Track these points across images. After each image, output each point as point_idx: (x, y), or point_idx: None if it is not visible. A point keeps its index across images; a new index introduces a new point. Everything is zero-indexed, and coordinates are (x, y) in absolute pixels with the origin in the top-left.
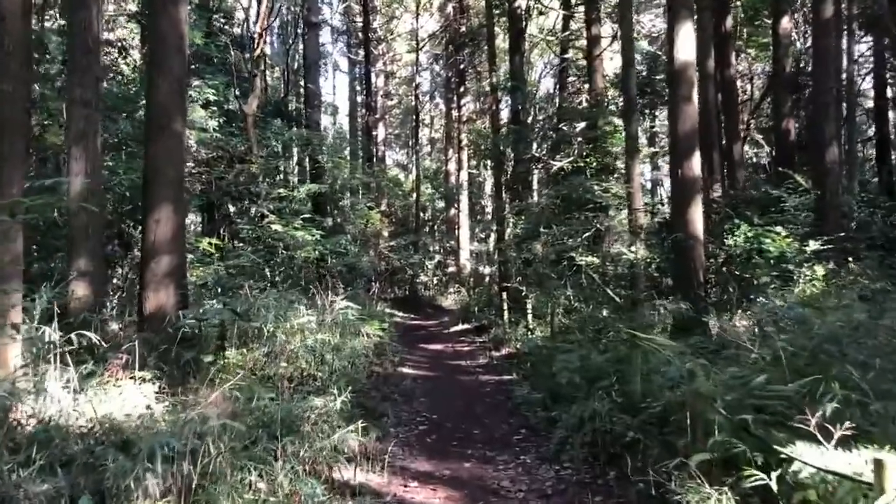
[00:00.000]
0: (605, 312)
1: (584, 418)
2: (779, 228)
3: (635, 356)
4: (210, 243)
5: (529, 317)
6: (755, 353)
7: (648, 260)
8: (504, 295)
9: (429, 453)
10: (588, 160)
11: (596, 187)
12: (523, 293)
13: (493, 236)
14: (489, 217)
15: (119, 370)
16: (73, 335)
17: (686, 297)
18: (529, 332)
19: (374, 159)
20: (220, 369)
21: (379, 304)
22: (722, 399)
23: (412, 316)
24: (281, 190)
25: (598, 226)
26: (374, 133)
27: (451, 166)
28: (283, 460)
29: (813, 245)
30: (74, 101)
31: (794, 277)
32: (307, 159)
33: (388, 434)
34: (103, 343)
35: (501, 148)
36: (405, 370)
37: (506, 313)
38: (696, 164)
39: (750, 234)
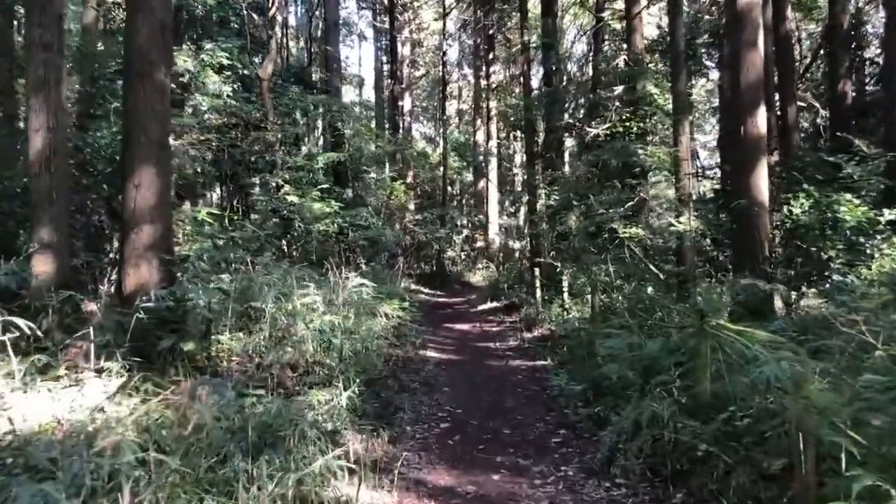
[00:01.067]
0: (649, 290)
1: (640, 422)
2: (848, 196)
3: (703, 346)
4: (209, 213)
5: (565, 295)
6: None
7: (700, 232)
8: (536, 271)
9: (450, 461)
10: (628, 125)
11: (640, 151)
12: (558, 269)
13: (523, 209)
14: (519, 190)
15: (80, 361)
16: (21, 321)
17: (751, 273)
18: (565, 312)
19: (401, 130)
20: (209, 356)
21: (403, 281)
22: (853, 418)
23: (438, 293)
24: (297, 159)
25: (641, 194)
26: (399, 103)
27: (480, 137)
28: (257, 485)
29: (888, 214)
30: (33, 43)
31: (867, 251)
32: (328, 129)
33: (404, 434)
34: (55, 330)
35: (534, 112)
36: (428, 353)
37: (538, 291)
38: (761, 119)
39: (817, 203)
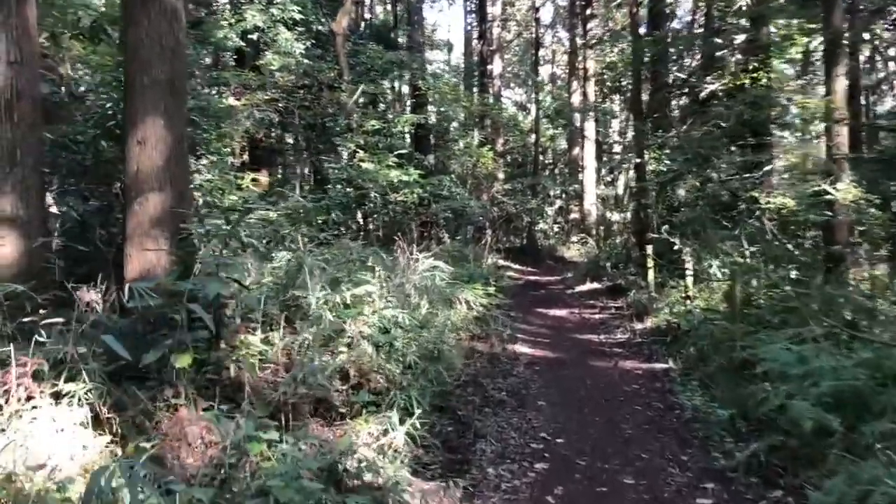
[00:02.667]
0: (793, 274)
1: None
2: None
3: None
4: (254, 180)
5: (689, 280)
6: None
7: (861, 201)
8: (648, 249)
9: None
10: (757, 75)
11: (784, 100)
12: (675, 247)
13: (622, 178)
14: (617, 156)
15: (28, 382)
16: None
17: None
18: (687, 301)
19: (490, 96)
20: (218, 368)
21: (490, 256)
22: None
23: (529, 269)
24: (373, 122)
25: (780, 156)
26: (489, 67)
27: (575, 100)
28: None
29: None
30: None
31: None
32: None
33: (484, 481)
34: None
35: (644, 60)
36: (518, 348)
37: (650, 272)
38: None
39: None
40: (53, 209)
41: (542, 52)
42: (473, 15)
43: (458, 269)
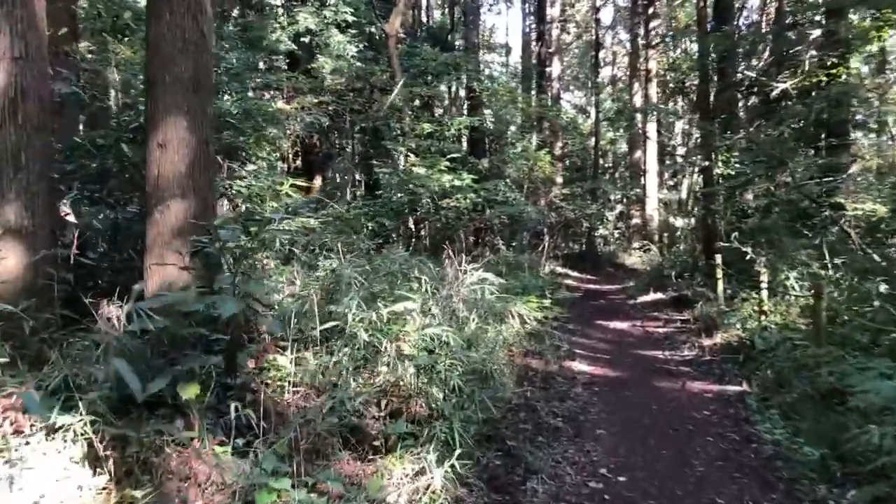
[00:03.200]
0: (882, 288)
1: None
2: None
3: None
4: (293, 185)
5: (764, 293)
6: None
7: None
8: (718, 258)
9: None
10: (836, 71)
11: (873, 98)
12: (746, 256)
13: (685, 182)
14: (680, 160)
15: (17, 416)
16: None
17: None
18: (762, 316)
19: (548, 98)
20: (253, 388)
21: (547, 264)
22: None
23: (588, 277)
24: (426, 125)
25: (861, 158)
26: (547, 69)
27: (637, 102)
28: None
29: None
30: None
31: None
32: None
33: None
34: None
35: (711, 56)
36: (575, 365)
37: (719, 284)
38: None
39: None
40: (71, 218)
41: (602, 54)
42: (532, 17)
43: (511, 279)
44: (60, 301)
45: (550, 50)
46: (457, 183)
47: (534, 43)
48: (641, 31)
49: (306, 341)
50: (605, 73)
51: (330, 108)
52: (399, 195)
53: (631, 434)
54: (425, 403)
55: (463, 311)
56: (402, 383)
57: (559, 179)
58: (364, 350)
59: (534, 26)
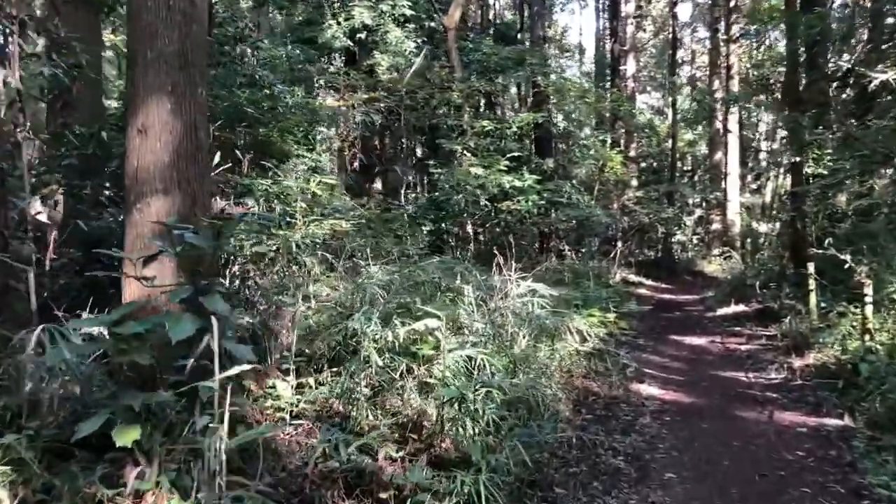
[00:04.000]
0: None
1: None
2: None
3: None
4: (320, 183)
5: (868, 308)
6: None
7: None
8: (810, 267)
9: None
10: None
11: None
12: (846, 265)
13: (769, 185)
14: (765, 161)
15: None
16: None
17: None
18: (866, 336)
19: (622, 96)
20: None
21: (618, 271)
22: None
23: (663, 286)
24: (485, 122)
25: None
26: (621, 67)
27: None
28: None
29: None
30: None
31: None
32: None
33: None
34: None
35: (799, 40)
36: (643, 389)
37: (812, 296)
38: None
39: None
40: (44, 217)
41: (680, 54)
42: (605, 14)
43: (575, 289)
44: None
45: (625, 47)
46: (517, 184)
47: (607, 41)
48: (722, 26)
49: (318, 364)
50: (684, 73)
51: (382, 105)
52: (457, 196)
53: (707, 480)
54: (452, 443)
55: (512, 326)
56: (423, 418)
57: (634, 182)
58: (379, 375)
59: (607, 25)
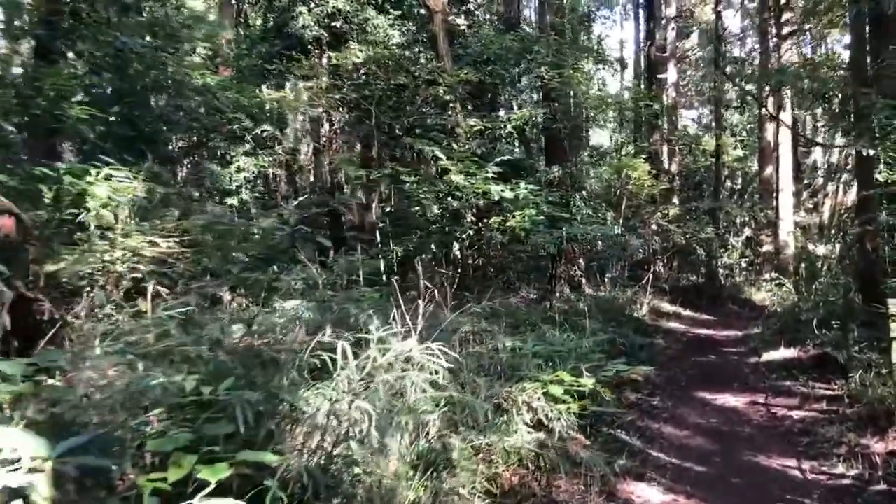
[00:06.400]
0: None
1: None
2: None
3: None
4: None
5: None
6: None
7: None
8: (891, 304)
9: None
10: None
11: None
12: None
13: (828, 203)
14: (821, 178)
15: None
16: None
17: None
18: None
19: (663, 106)
20: None
21: (651, 300)
22: None
23: (703, 317)
24: (472, 121)
25: None
26: (660, 76)
27: (768, 109)
28: None
29: None
30: None
31: None
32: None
33: None
34: None
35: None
36: (639, 493)
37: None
38: None
39: None
40: None
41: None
42: (643, 17)
43: (540, 337)
44: None
45: (664, 54)
46: (508, 194)
47: (642, 43)
48: (773, 29)
49: None
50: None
51: (342, 97)
52: (435, 210)
53: None
54: None
55: (372, 430)
56: None
57: (675, 200)
58: None
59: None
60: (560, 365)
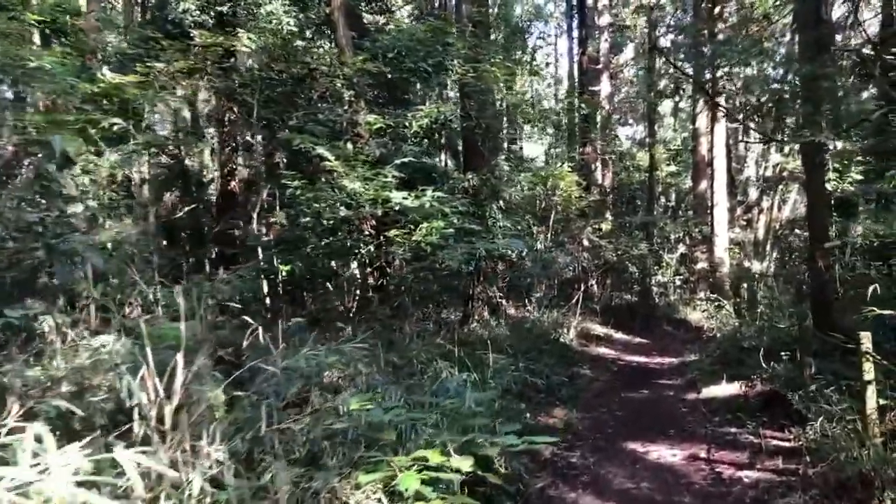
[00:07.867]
0: None
1: None
2: None
3: None
4: None
5: None
6: None
7: None
8: (864, 340)
9: None
10: None
11: None
12: None
13: (762, 218)
14: (754, 193)
15: None
16: None
17: None
18: None
19: (595, 120)
20: None
21: (579, 322)
22: None
23: (636, 341)
24: (371, 118)
25: None
26: (593, 88)
27: (701, 122)
28: None
29: None
30: None
31: None
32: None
33: None
34: None
35: None
36: None
37: (870, 391)
38: None
39: None
40: None
41: (662, 84)
42: (577, 30)
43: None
44: None
45: (597, 66)
46: (410, 203)
47: (576, 57)
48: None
49: None
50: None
51: (211, 85)
52: (326, 223)
53: None
54: None
55: None
56: None
57: (609, 216)
58: None
59: (577, 47)
60: (442, 429)
